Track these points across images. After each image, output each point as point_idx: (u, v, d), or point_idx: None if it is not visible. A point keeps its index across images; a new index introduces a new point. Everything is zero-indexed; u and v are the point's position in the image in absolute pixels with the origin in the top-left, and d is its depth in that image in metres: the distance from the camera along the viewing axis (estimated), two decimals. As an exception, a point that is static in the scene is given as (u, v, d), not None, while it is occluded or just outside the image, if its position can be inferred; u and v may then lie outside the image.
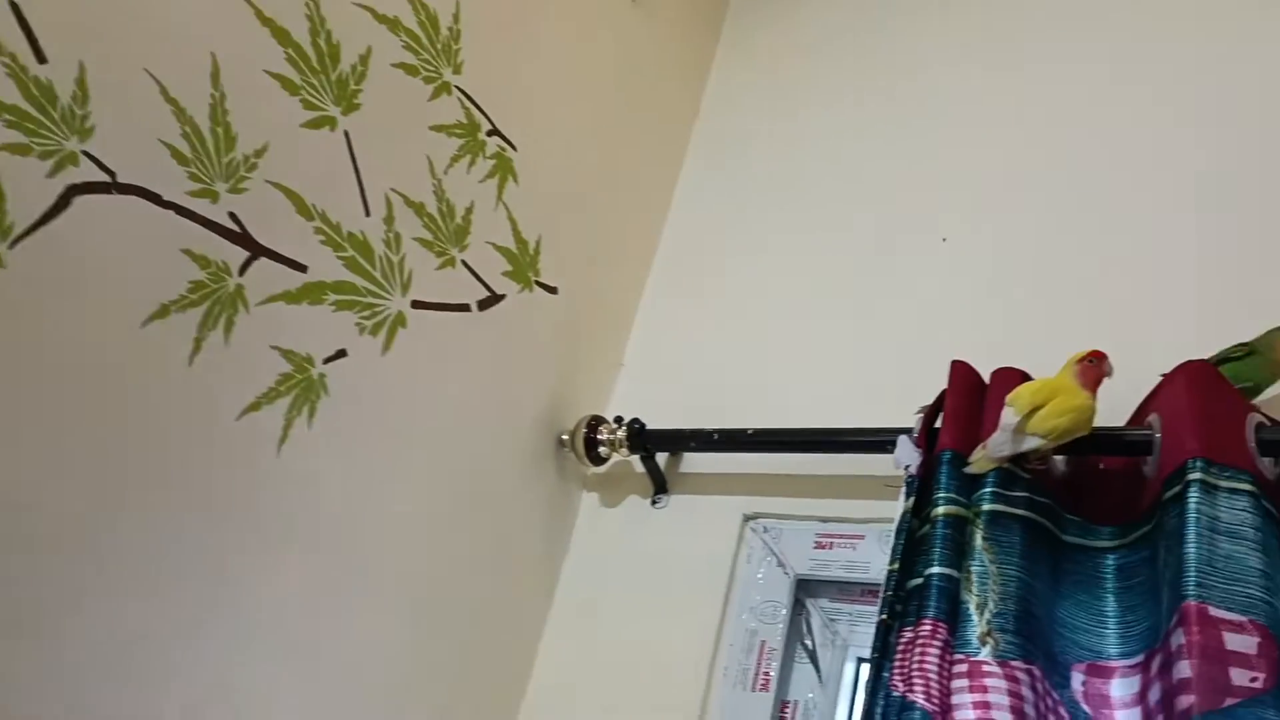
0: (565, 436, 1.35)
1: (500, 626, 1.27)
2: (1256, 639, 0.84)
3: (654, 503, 1.34)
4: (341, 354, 1.10)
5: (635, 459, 1.34)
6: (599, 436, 1.32)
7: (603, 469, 1.37)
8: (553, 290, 1.38)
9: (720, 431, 1.25)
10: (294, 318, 1.05)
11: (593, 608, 1.31)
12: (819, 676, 1.19)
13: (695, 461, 1.35)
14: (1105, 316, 1.19)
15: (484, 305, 1.29)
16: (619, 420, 1.32)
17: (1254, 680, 0.82)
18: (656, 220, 1.59)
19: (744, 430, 1.24)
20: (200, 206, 0.98)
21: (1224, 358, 1.02)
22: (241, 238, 1.01)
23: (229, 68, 1.00)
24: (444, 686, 1.20)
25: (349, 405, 1.10)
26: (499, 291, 1.31)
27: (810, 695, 1.18)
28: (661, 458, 1.35)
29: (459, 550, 1.22)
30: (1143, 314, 1.18)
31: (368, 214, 1.14)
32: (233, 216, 1.00)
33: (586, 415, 1.35)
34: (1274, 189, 1.17)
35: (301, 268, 1.07)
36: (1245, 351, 1.01)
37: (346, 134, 1.11)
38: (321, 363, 1.08)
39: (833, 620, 1.22)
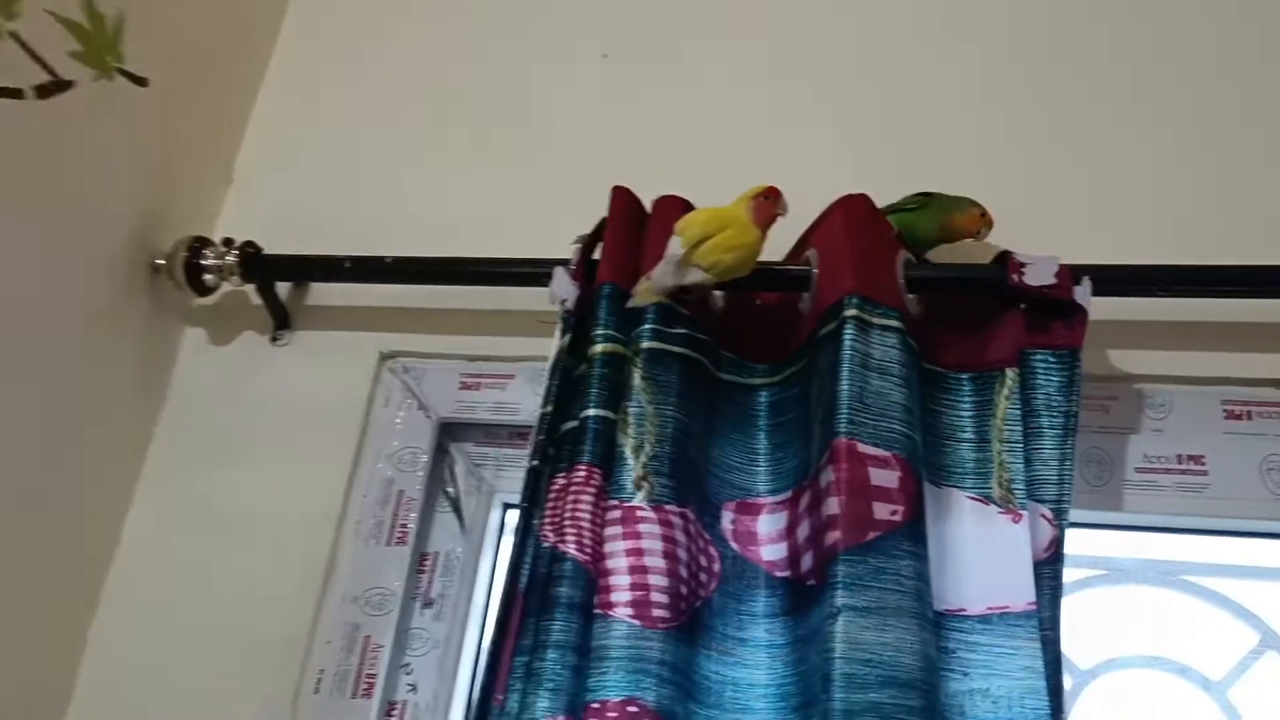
0: (161, 261, 1.12)
1: (74, 487, 1.06)
2: (898, 473, 0.85)
3: (274, 340, 1.16)
4: None
5: (251, 289, 1.15)
6: (204, 262, 1.11)
7: (210, 300, 1.17)
8: (141, 82, 1.11)
9: (352, 259, 1.09)
10: None
11: (199, 460, 1.12)
12: (461, 526, 1.10)
13: (324, 293, 1.18)
14: (772, 143, 1.15)
15: (45, 92, 1.00)
16: (228, 243, 1.12)
17: (894, 513, 0.84)
18: (275, 5, 1.35)
19: (381, 258, 1.09)
20: None
21: (898, 207, 1.01)
22: None
23: None
24: None
25: None
26: (65, 76, 1.03)
27: (453, 546, 1.09)
28: (284, 288, 1.17)
29: (13, 400, 0.98)
30: (808, 145, 1.15)
31: None
32: None
33: (188, 236, 1.13)
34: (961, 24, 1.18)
35: None
36: (920, 203, 1.00)
37: None
38: None
39: (478, 466, 1.13)
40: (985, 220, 0.98)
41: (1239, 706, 1.00)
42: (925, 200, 1.00)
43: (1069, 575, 1.04)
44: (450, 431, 1.12)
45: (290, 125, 1.29)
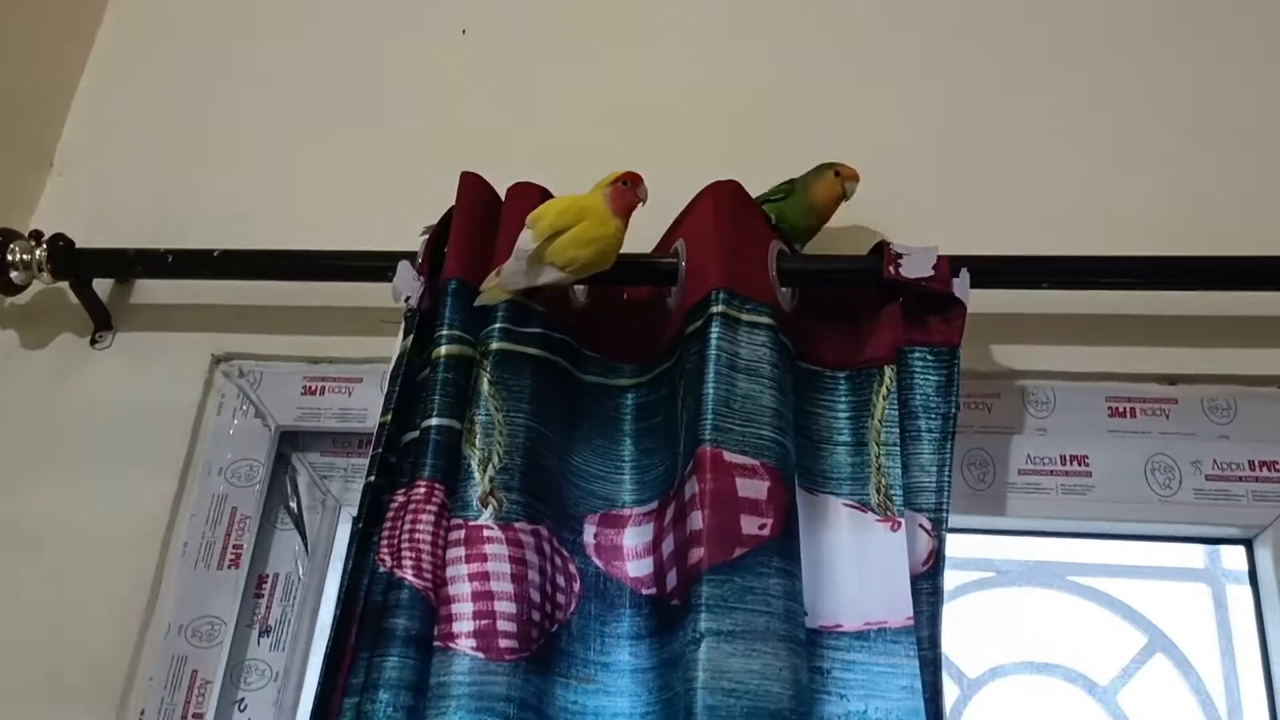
0: (-41, 256, 1.00)
1: None
2: (767, 483, 0.78)
3: (94, 342, 1.05)
4: None
5: (66, 286, 1.03)
6: (10, 257, 1.00)
7: (22, 299, 1.05)
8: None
9: (176, 253, 0.99)
10: None
11: (10, 473, 1.01)
12: (304, 544, 1.00)
13: (151, 291, 1.07)
14: (641, 128, 1.08)
15: None
16: (37, 236, 1.00)
17: (762, 527, 0.77)
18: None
19: (209, 252, 0.98)
20: None
21: (765, 198, 0.94)
22: None
23: None
24: None
25: None
26: None
27: (294, 567, 1.00)
28: (106, 286, 1.06)
29: None
30: (679, 127, 1.08)
31: None
32: None
33: (-8, 228, 1.01)
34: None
35: None
36: (786, 191, 0.94)
37: None
38: None
39: (324, 477, 1.03)
40: (843, 177, 0.92)
41: (1127, 711, 0.96)
42: (790, 187, 0.94)
43: (953, 579, 1.01)
44: (292, 440, 1.03)
45: (118, 109, 1.17)
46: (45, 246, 0.99)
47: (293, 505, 1.01)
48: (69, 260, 1.00)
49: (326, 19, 1.18)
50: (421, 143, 1.09)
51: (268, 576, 0.99)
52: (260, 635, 0.97)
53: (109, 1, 1.22)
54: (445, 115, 1.11)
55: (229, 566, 0.96)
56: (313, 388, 1.02)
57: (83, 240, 1.02)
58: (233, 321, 1.04)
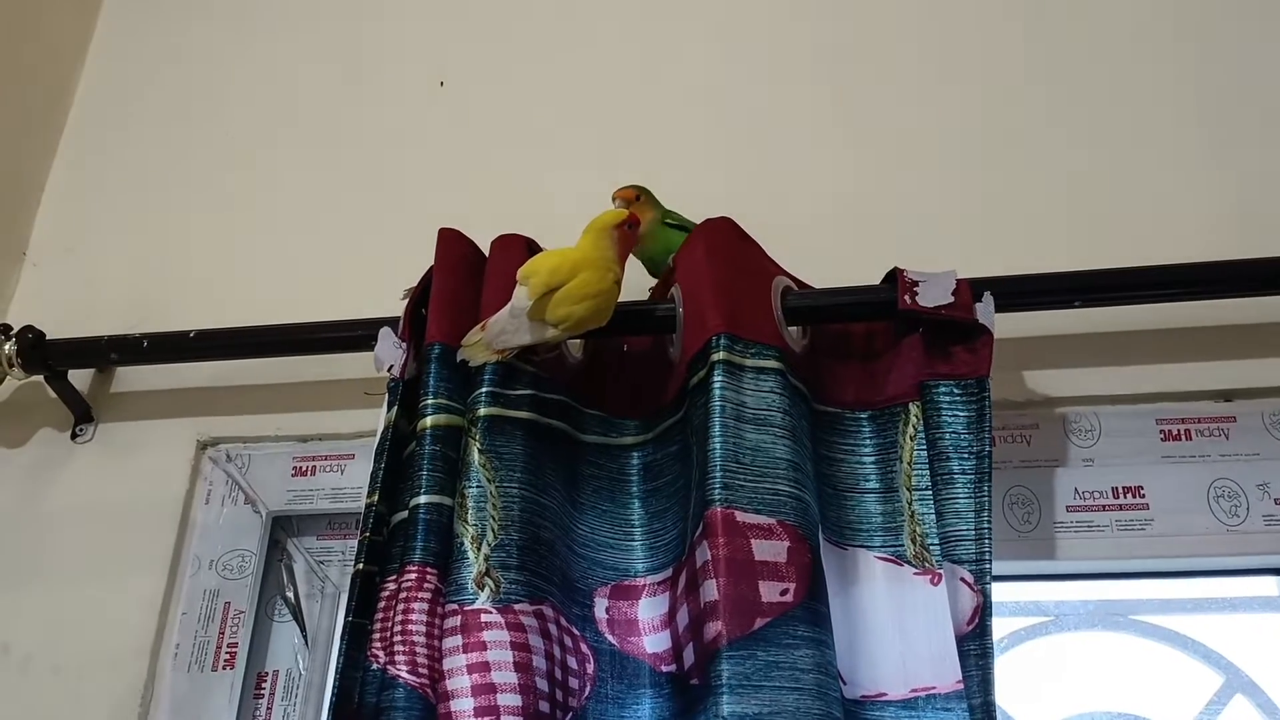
0: (-71, 356, 0.96)
1: None
2: (786, 543, 0.71)
3: (75, 435, 1.00)
4: None
5: (41, 380, 0.99)
6: (-22, 353, 0.96)
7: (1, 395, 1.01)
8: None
9: (151, 337, 0.94)
10: None
11: (-11, 588, 0.96)
12: (304, 637, 0.94)
13: (133, 379, 1.02)
14: (628, 174, 1.01)
15: None
16: (5, 330, 0.96)
17: (785, 593, 0.70)
18: (68, 69, 1.19)
19: (185, 333, 0.93)
20: None
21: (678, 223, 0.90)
22: None
23: None
24: None
25: None
26: None
27: (294, 662, 0.93)
28: (85, 376, 1.01)
29: None
30: (672, 170, 1.02)
31: None
32: None
33: (-43, 325, 0.97)
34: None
35: None
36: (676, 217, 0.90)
37: None
38: None
39: (322, 563, 0.97)
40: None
41: (1210, 761, 0.87)
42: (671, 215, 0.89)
43: (1006, 627, 0.93)
44: (285, 525, 0.97)
45: (95, 191, 1.14)
46: (14, 340, 0.95)
47: (290, 595, 0.95)
48: (39, 352, 0.95)
49: (296, 78, 1.14)
50: (402, 201, 1.04)
51: (266, 674, 0.93)
52: (262, 738, 0.91)
53: (77, 89, 1.19)
54: (425, 171, 1.06)
55: (224, 667, 0.90)
56: (303, 468, 0.96)
57: (62, 331, 0.98)
58: (217, 404, 0.99)
